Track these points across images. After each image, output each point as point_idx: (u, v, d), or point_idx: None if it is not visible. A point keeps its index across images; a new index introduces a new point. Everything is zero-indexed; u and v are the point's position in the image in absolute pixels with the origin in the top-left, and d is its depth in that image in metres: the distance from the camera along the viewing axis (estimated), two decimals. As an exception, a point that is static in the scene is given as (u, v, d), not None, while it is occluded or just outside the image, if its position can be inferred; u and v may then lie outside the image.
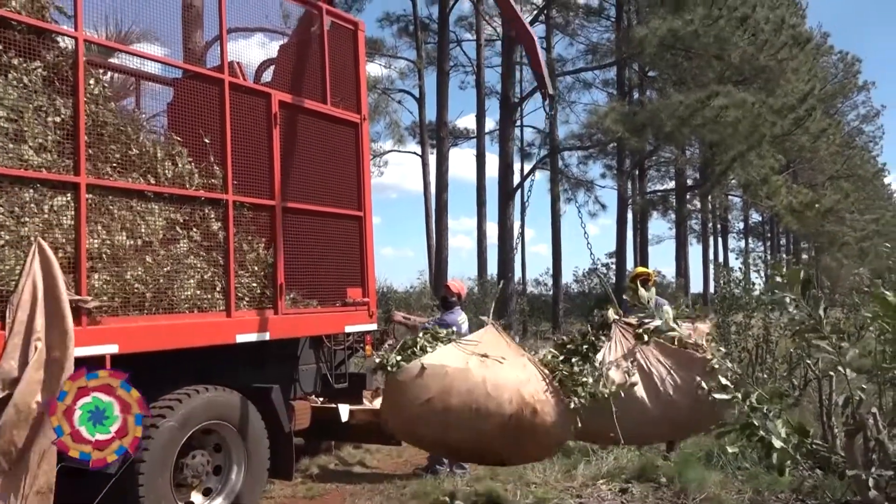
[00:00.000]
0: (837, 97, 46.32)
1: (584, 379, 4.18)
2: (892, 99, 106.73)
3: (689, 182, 32.39)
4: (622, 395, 4.19)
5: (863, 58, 47.85)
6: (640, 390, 4.25)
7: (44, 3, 4.19)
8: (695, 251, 46.70)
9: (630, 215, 27.64)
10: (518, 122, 26.72)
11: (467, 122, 41.50)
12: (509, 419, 3.96)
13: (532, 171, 17.10)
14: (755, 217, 46.78)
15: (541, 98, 6.42)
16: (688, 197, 32.35)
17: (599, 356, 4.39)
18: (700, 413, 4.29)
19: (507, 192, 21.22)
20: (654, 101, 17.81)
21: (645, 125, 16.69)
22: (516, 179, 22.51)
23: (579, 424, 4.16)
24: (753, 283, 10.10)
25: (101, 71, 4.76)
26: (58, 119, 4.12)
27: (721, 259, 42.55)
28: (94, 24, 4.59)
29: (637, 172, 28.56)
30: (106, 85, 4.64)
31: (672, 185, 34.46)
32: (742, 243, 47.41)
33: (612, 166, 29.65)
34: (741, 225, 47.44)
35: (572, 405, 4.07)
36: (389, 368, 4.16)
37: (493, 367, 4.09)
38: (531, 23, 23.09)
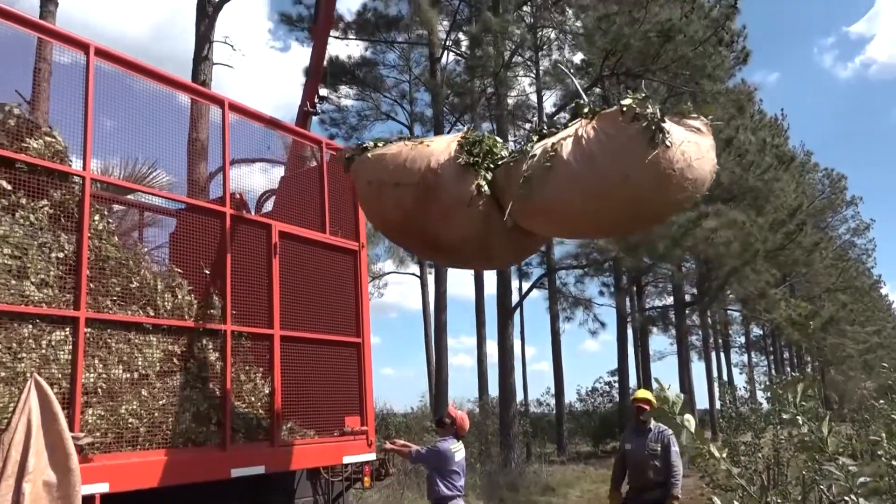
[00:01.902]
0: (827, 212, 47.35)
1: (486, 143, 4.47)
2: (880, 212, 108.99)
3: (688, 297, 32.51)
4: (550, 163, 4.02)
5: (848, 174, 49.29)
6: (566, 153, 3.99)
7: (60, 148, 4.37)
8: (698, 367, 46.20)
9: (630, 332, 27.55)
10: (515, 242, 27.13)
11: (465, 242, 41.97)
12: (418, 185, 4.44)
13: (530, 289, 17.21)
14: (756, 331, 46.55)
15: None
16: (687, 312, 32.35)
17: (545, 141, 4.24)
18: (625, 170, 3.83)
19: (505, 311, 21.22)
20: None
21: (638, 245, 16.96)
22: (515, 298, 22.58)
23: (483, 186, 4.28)
24: (760, 403, 9.94)
25: (106, 206, 4.89)
26: (61, 255, 4.20)
27: (724, 374, 42.00)
28: (103, 156, 4.77)
29: (635, 289, 28.71)
30: (110, 220, 4.77)
31: (671, 300, 34.56)
32: (745, 357, 46.95)
33: (609, 284, 29.83)
34: (742, 339, 47.16)
35: (461, 161, 4.38)
36: (345, 161, 4.90)
37: (419, 149, 4.59)
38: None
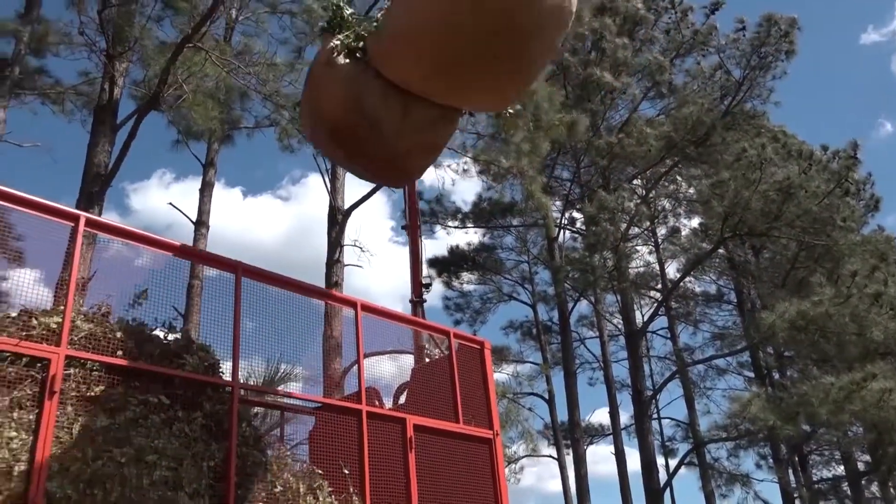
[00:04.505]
0: None
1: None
2: None
3: (861, 466, 28.99)
4: None
5: None
6: None
7: (213, 362, 4.72)
8: (889, 547, 39.82)
9: (800, 510, 24.64)
10: (654, 416, 25.75)
11: (600, 416, 40.33)
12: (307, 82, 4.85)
13: (678, 467, 16.02)
14: (953, 501, 40.32)
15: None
16: (864, 483, 28.71)
17: None
18: None
19: (654, 492, 19.72)
20: (800, 384, 16.86)
21: (796, 411, 15.60)
22: (662, 477, 21.02)
23: (338, 43, 4.41)
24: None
25: (251, 410, 5.14)
26: (211, 464, 4.39)
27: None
28: (246, 357, 5.08)
29: (797, 459, 26.04)
30: (255, 425, 4.98)
31: (841, 470, 30.94)
32: (947, 533, 40.36)
33: (766, 455, 27.27)
34: (938, 511, 40.86)
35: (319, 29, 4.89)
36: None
37: None
38: (652, 316, 23.43)
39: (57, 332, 3.96)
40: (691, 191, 23.09)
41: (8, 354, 3.75)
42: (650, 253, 26.50)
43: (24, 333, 3.87)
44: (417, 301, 10.03)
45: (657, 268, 26.97)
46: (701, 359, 26.55)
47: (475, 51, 4.01)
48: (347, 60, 4.48)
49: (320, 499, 4.91)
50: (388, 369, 6.65)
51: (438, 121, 4.67)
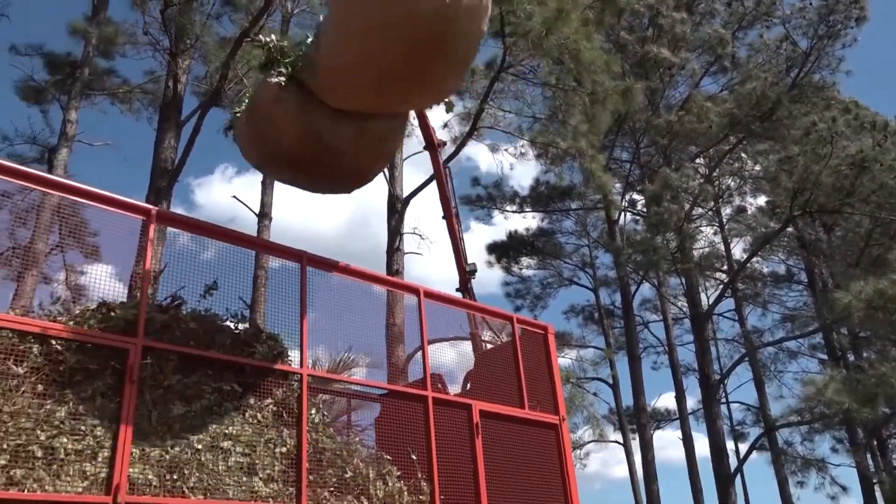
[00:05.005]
0: None
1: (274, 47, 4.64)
2: None
3: (945, 450, 27.72)
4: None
5: None
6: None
7: (281, 350, 4.81)
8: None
9: (880, 497, 23.74)
10: (723, 400, 25.18)
11: (667, 401, 39.66)
12: (251, 112, 4.80)
13: (749, 452, 15.62)
14: None
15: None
16: (948, 468, 27.45)
17: None
18: None
19: (724, 477, 19.31)
20: (878, 365, 16.15)
21: (875, 393, 14.98)
22: (733, 462, 20.56)
23: (280, 78, 4.46)
24: None
25: (319, 398, 5.22)
26: (284, 449, 4.48)
27: None
28: (312, 346, 5.15)
29: (875, 443, 25.09)
30: (325, 412, 5.06)
31: (923, 454, 29.65)
32: None
33: (842, 439, 26.34)
34: None
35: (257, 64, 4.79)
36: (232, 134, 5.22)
37: None
38: (719, 298, 22.82)
39: (134, 324, 4.09)
40: (757, 168, 22.35)
41: (90, 345, 3.90)
42: (715, 233, 25.84)
43: (103, 325, 4.01)
44: (464, 290, 10.03)
45: (722, 248, 26.28)
46: (771, 341, 25.76)
47: (414, 72, 4.30)
48: (294, 93, 4.59)
49: (389, 484, 4.96)
50: (451, 356, 6.66)
51: (390, 129, 4.97)
